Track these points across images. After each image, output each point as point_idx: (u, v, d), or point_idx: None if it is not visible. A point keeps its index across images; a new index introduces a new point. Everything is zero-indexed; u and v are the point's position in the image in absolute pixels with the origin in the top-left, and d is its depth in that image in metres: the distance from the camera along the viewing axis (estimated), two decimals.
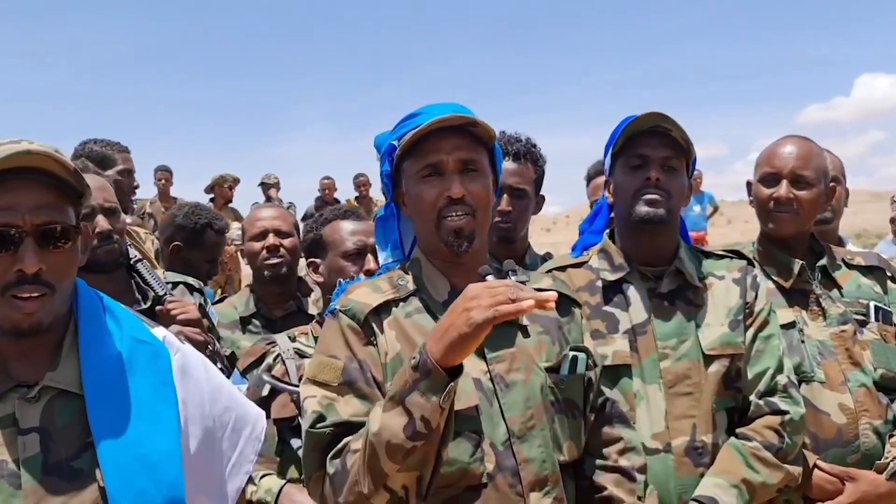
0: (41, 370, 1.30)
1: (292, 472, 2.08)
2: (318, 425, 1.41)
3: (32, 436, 1.25)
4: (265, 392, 2.11)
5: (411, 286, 1.56)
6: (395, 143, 1.57)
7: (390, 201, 1.67)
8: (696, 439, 1.79)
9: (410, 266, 1.61)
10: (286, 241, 2.74)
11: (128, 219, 3.75)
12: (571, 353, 1.55)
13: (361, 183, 9.57)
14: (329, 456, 1.39)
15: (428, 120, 1.50)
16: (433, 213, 1.50)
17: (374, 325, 1.49)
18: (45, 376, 1.29)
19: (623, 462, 1.59)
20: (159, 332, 1.45)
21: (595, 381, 1.62)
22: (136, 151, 3.59)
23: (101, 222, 2.09)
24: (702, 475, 1.77)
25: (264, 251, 2.72)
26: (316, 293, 2.81)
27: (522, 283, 1.38)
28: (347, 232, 2.26)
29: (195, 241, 3.17)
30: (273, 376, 2.11)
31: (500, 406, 1.46)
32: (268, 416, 2.11)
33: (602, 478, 1.57)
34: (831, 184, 2.17)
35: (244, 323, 2.72)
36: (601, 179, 3.01)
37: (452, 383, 1.27)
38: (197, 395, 1.41)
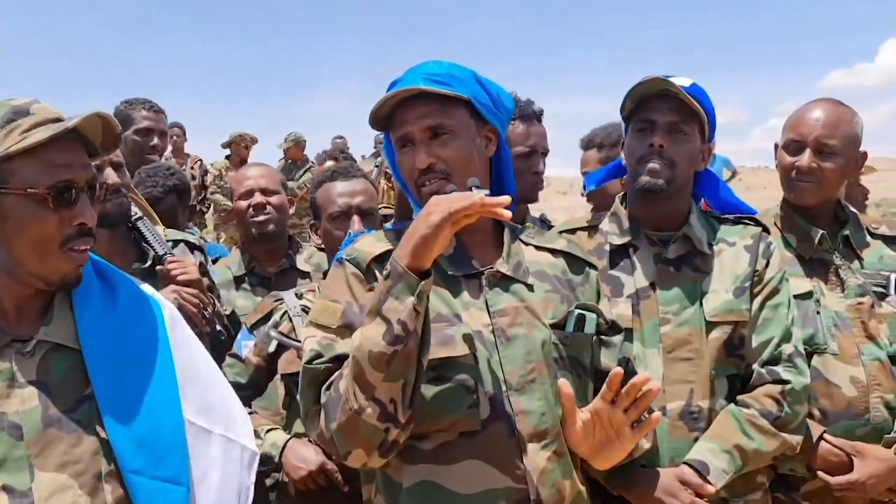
0: (35, 326, 1.34)
1: (298, 427, 2.11)
2: (315, 362, 1.47)
3: (30, 389, 1.29)
4: (272, 348, 2.13)
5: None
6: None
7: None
8: (692, 404, 1.79)
9: None
10: (273, 199, 2.73)
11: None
12: (578, 312, 1.56)
13: (379, 141, 9.52)
14: (324, 388, 1.45)
15: (396, 88, 1.54)
16: (413, 182, 1.57)
17: (376, 271, 1.53)
18: (39, 331, 1.33)
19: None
20: (147, 287, 1.49)
21: (621, 338, 1.64)
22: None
23: (111, 175, 2.08)
24: (696, 440, 1.77)
25: (251, 209, 2.70)
26: (309, 250, 2.83)
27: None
28: (334, 194, 2.25)
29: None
30: (280, 332, 2.12)
31: (499, 358, 1.49)
32: (275, 372, 2.14)
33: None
34: (861, 150, 2.09)
35: (238, 282, 2.71)
36: (589, 154, 3.00)
37: (424, 283, 1.34)
38: (186, 346, 1.46)
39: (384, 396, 1.35)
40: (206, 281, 2.28)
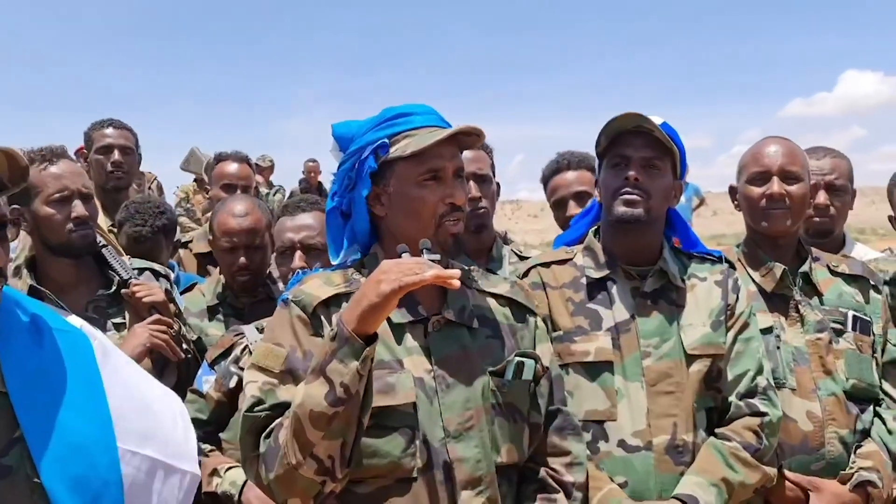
0: None
1: None
2: (256, 409, 1.44)
3: None
4: (233, 384, 2.09)
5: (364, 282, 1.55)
6: (386, 140, 1.56)
7: (342, 196, 1.63)
8: (677, 438, 1.79)
9: (368, 262, 1.61)
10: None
11: None
12: (517, 359, 1.58)
13: (310, 169, 9.19)
14: (263, 436, 1.43)
15: (422, 122, 1.56)
16: (433, 217, 1.54)
17: (322, 316, 1.51)
18: None
19: (567, 477, 1.63)
20: (75, 320, 1.45)
21: (547, 386, 1.65)
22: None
23: (79, 207, 2.07)
24: (682, 474, 1.78)
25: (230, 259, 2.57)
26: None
27: (434, 261, 1.42)
28: (280, 230, 2.24)
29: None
30: (241, 367, 2.09)
31: (439, 405, 1.50)
32: (236, 408, 2.10)
33: (545, 493, 1.62)
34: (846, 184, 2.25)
35: (212, 311, 2.60)
36: (555, 180, 2.96)
37: (368, 349, 1.34)
38: (119, 375, 1.41)
39: (322, 454, 1.36)
40: (172, 308, 2.25)
